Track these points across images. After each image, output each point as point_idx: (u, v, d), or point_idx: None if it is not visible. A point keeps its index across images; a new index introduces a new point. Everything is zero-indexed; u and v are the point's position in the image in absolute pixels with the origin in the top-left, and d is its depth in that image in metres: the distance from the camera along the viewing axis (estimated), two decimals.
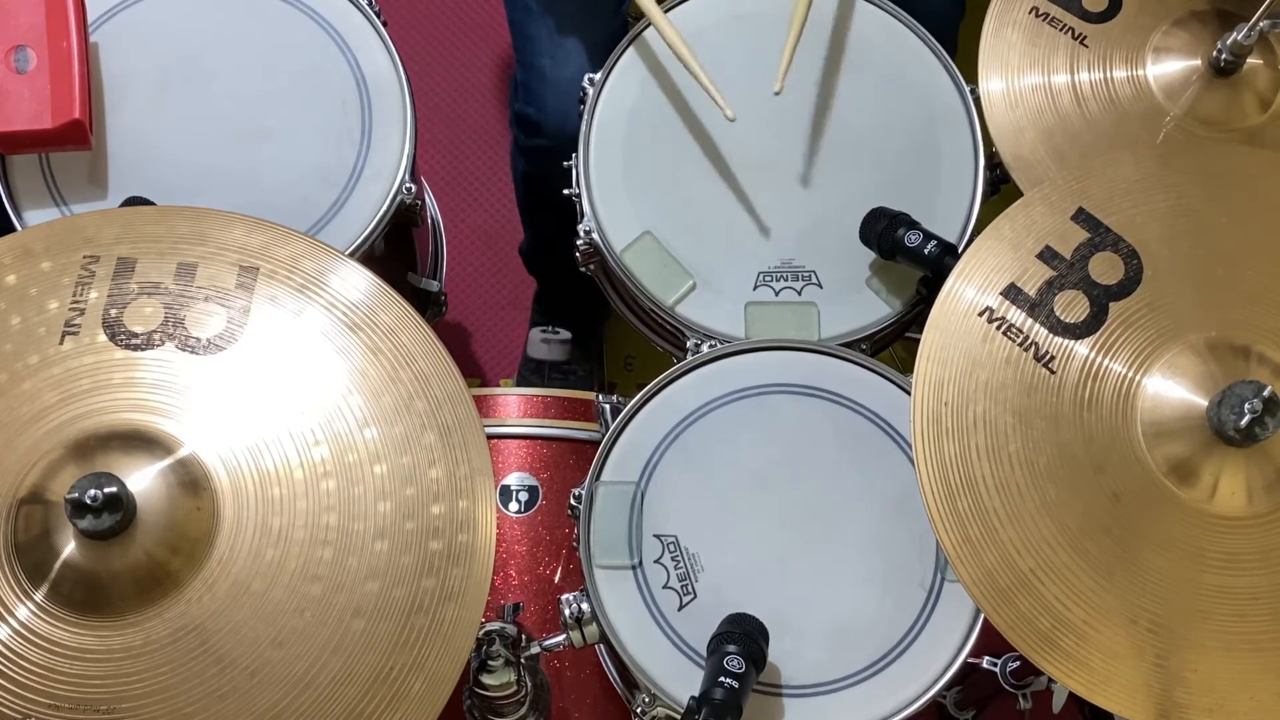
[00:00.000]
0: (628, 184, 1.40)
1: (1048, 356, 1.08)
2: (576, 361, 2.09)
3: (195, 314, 1.06)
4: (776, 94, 1.33)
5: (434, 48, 2.44)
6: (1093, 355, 1.08)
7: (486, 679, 1.15)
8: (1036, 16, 1.40)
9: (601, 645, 1.23)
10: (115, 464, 0.98)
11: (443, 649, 0.96)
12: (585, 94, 1.44)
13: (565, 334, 2.07)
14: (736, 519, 1.23)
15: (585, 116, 1.42)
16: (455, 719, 1.23)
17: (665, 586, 1.20)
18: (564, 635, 1.19)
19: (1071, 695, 1.21)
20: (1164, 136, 1.35)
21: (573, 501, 1.24)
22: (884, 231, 1.30)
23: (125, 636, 0.96)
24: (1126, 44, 1.39)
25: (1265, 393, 1.00)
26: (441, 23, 2.47)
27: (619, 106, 1.43)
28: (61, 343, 1.04)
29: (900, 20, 1.48)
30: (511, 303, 2.25)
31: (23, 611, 0.96)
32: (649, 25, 1.45)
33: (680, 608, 1.19)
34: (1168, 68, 1.37)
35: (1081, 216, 1.13)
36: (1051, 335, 1.09)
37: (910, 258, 1.28)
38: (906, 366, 1.17)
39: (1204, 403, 1.04)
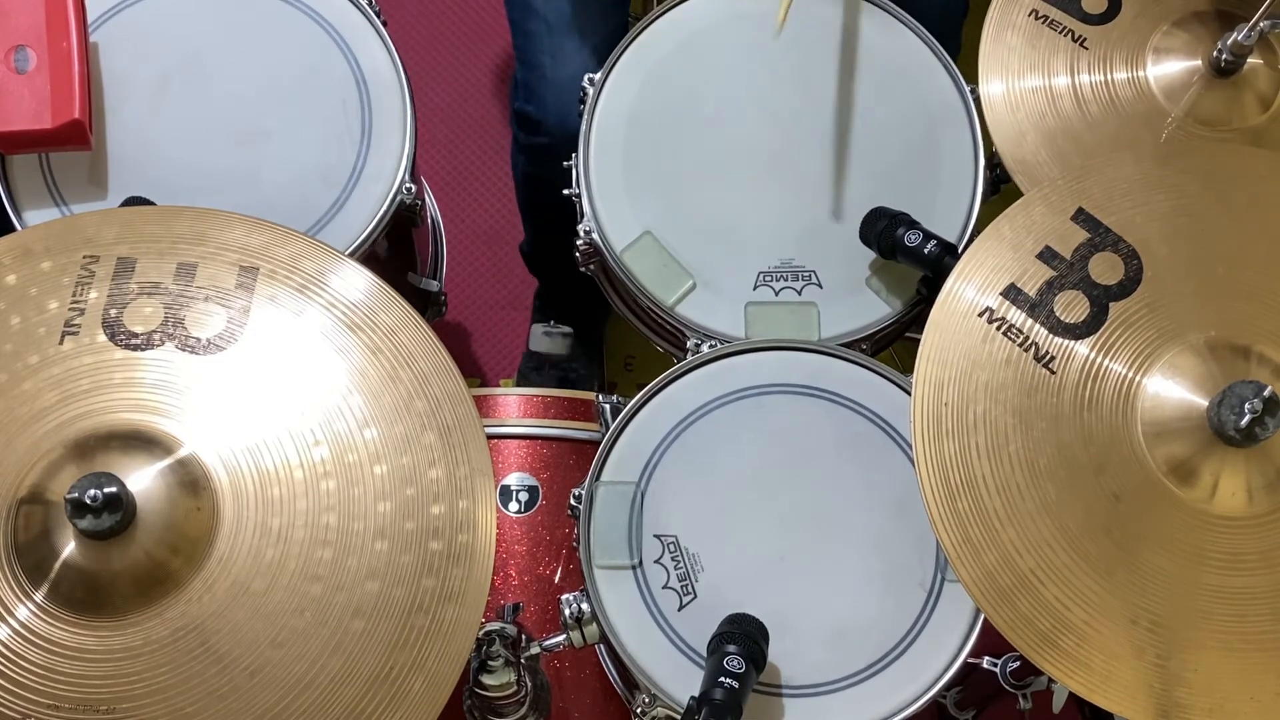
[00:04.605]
0: (628, 184, 1.39)
1: (1048, 357, 1.08)
2: (577, 359, 2.09)
3: (195, 314, 1.06)
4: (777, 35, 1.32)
5: (434, 48, 2.44)
6: (1093, 355, 1.08)
7: (486, 679, 1.15)
8: (1036, 19, 1.40)
9: (601, 645, 1.23)
10: (115, 464, 0.98)
11: (443, 649, 0.96)
12: (585, 94, 1.44)
13: (567, 328, 2.07)
14: (736, 519, 1.23)
15: (585, 116, 1.42)
16: (455, 719, 1.23)
17: (665, 586, 1.20)
18: (564, 635, 1.19)
19: (1071, 695, 1.21)
20: (1165, 137, 1.34)
21: (573, 501, 1.23)
22: (884, 231, 1.30)
23: (125, 636, 0.96)
24: (1126, 45, 1.38)
25: (1265, 393, 1.00)
26: (441, 23, 2.47)
27: (619, 106, 1.43)
28: (61, 343, 1.04)
29: (900, 20, 1.48)
30: (511, 303, 2.25)
31: (23, 611, 0.96)
32: (649, 25, 1.45)
33: (680, 608, 1.19)
34: (1168, 69, 1.37)
35: (1081, 216, 1.13)
36: (1051, 335, 1.09)
37: (910, 257, 1.28)
38: (906, 366, 1.16)
39: (1204, 403, 1.04)
